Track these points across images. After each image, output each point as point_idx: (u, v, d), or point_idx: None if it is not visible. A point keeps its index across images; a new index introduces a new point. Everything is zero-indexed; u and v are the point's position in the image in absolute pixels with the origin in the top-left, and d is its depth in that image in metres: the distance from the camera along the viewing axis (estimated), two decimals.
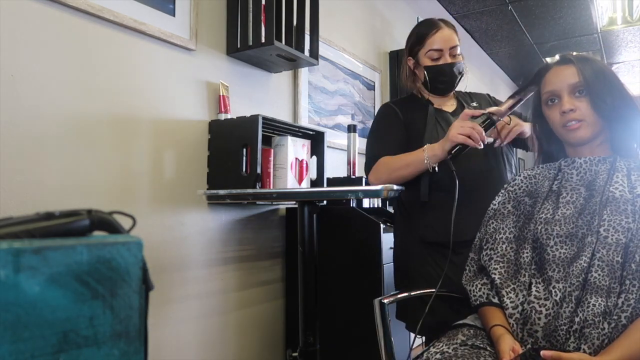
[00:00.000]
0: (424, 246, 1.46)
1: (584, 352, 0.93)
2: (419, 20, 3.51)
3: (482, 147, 1.28)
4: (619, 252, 0.96)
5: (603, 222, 0.99)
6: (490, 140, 1.34)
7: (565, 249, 1.01)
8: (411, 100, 1.59)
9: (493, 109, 1.32)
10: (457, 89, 1.57)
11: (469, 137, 1.26)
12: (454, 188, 1.26)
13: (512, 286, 1.06)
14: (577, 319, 0.95)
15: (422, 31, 1.51)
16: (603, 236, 0.98)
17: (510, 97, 1.32)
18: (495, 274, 1.09)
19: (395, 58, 3.19)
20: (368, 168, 1.51)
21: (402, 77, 1.61)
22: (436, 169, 1.34)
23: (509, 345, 0.95)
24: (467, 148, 1.29)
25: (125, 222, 0.55)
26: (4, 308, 0.42)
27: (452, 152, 1.29)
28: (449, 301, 1.32)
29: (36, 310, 0.44)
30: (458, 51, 1.50)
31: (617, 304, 0.94)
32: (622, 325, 0.93)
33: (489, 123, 1.29)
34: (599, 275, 0.96)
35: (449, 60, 1.48)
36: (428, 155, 1.34)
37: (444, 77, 1.49)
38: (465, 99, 1.59)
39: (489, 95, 1.65)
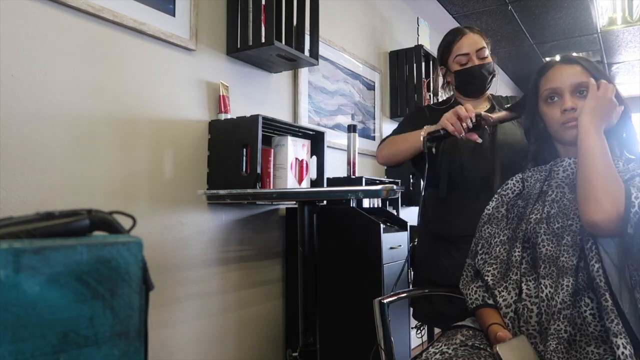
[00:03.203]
0: (433, 240, 1.53)
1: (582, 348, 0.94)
2: (419, 21, 3.47)
3: (459, 138, 1.31)
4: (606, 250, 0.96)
5: None
6: (479, 140, 1.36)
7: (552, 247, 1.03)
8: (444, 103, 1.62)
9: (483, 114, 1.34)
10: (491, 91, 1.59)
11: (453, 125, 1.29)
12: (423, 174, 1.35)
13: (504, 284, 1.07)
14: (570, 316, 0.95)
15: (449, 39, 1.55)
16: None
17: (507, 109, 1.36)
18: (488, 275, 1.10)
19: (395, 58, 3.18)
20: (379, 149, 1.54)
21: (438, 86, 1.65)
22: (433, 150, 1.36)
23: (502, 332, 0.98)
24: (449, 136, 1.32)
25: (125, 222, 0.55)
26: (4, 308, 0.42)
27: (434, 134, 1.33)
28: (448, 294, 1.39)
29: (36, 310, 0.44)
30: (486, 53, 1.52)
31: (609, 300, 0.94)
32: (617, 322, 0.93)
33: (475, 124, 1.31)
34: (589, 272, 0.96)
35: (476, 62, 1.50)
36: (424, 133, 1.37)
37: (473, 79, 1.52)
38: (500, 101, 1.59)
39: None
